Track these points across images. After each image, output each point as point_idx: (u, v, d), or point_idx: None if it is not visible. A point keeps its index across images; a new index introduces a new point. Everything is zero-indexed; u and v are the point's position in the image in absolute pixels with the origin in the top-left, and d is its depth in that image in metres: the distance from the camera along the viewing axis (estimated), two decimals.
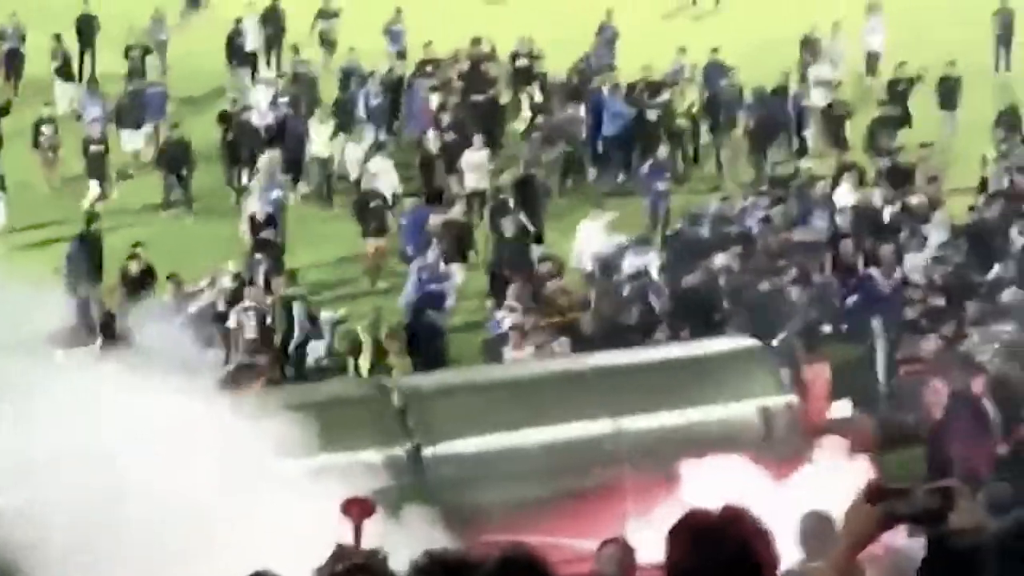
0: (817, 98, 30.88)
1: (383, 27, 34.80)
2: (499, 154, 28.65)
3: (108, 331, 19.72)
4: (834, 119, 30.20)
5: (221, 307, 21.09)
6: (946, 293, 20.55)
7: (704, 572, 4.59)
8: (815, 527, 10.04)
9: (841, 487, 13.14)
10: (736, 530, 4.63)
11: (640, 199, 27.27)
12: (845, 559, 4.70)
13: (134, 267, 22.47)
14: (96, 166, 28.03)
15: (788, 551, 11.48)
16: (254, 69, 34.24)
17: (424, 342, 20.73)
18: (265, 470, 12.55)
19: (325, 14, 36.05)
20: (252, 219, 24.45)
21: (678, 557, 4.65)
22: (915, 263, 21.79)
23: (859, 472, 13.41)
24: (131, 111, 30.33)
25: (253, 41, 34.68)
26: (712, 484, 13.18)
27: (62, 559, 11.21)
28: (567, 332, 19.71)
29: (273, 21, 35.45)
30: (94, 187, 27.84)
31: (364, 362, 20.34)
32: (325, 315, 21.86)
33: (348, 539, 8.59)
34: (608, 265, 22.48)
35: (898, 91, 30.31)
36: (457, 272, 23.05)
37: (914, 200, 24.30)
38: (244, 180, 27.86)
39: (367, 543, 8.49)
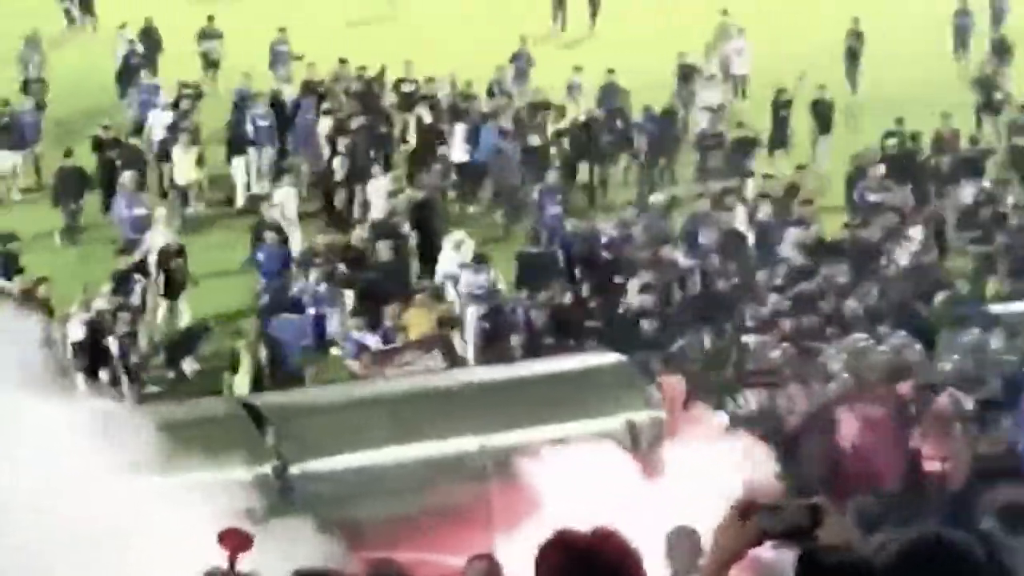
0: (704, 123, 31.12)
1: (268, 47, 34.36)
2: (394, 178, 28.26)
3: None
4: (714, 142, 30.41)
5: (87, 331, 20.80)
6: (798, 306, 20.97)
7: None
8: (682, 542, 10.06)
9: (708, 471, 13.42)
10: (606, 550, 4.60)
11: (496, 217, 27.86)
12: (715, 574, 4.69)
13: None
14: None
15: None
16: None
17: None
18: (129, 489, 12.37)
19: (207, 34, 35.47)
20: (164, 251, 23.72)
21: None
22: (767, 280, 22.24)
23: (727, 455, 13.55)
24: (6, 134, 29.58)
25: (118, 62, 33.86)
26: (576, 472, 13.32)
27: None
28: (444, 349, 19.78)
29: (150, 40, 34.72)
30: None
31: (243, 380, 20.18)
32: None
33: (219, 562, 8.45)
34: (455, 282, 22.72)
35: (780, 116, 30.63)
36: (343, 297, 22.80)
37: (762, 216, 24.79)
38: None
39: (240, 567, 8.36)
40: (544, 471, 13.75)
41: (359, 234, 24.45)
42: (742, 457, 13.89)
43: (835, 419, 15.87)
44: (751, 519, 4.62)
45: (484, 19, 39.21)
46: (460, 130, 29.49)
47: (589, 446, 13.86)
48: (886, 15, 38.86)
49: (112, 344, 20.54)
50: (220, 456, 13.62)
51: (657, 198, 26.76)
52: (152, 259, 23.52)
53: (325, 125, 29.60)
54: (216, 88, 33.78)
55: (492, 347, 20.51)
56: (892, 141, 29.03)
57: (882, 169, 27.83)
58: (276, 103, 30.63)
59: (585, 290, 22.14)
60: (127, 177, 25.96)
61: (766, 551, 5.14)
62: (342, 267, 22.82)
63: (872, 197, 26.18)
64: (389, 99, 31.40)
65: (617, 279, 22.54)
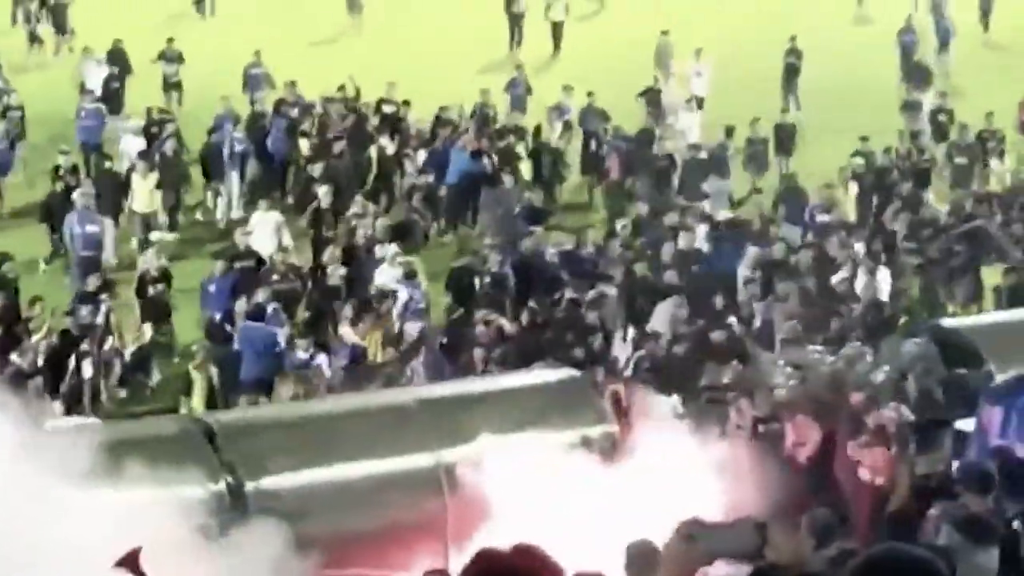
0: (683, 146, 31.02)
1: (243, 70, 33.71)
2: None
3: None
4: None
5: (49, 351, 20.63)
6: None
7: None
8: (640, 556, 10.02)
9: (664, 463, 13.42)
10: (527, 566, 4.58)
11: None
12: None
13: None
14: None
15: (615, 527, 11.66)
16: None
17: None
18: (83, 507, 12.26)
19: (167, 56, 34.79)
20: (142, 277, 23.48)
21: None
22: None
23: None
24: None
25: (95, 84, 33.17)
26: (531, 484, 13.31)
27: None
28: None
29: (119, 63, 34.01)
30: None
31: (197, 401, 20.05)
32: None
33: None
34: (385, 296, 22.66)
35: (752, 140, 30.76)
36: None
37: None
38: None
39: None
40: (498, 484, 13.78)
41: (333, 253, 24.28)
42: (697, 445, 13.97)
43: (781, 431, 15.89)
44: (697, 540, 4.60)
45: (447, 41, 39.25)
46: (423, 156, 29.21)
47: (543, 457, 13.86)
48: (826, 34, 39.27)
49: (75, 364, 20.36)
50: (175, 474, 13.50)
51: (622, 221, 26.42)
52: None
53: (304, 147, 29.28)
54: (179, 111, 32.99)
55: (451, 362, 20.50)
56: (859, 160, 29.03)
57: (855, 188, 28.00)
58: (252, 126, 30.19)
59: (528, 308, 22.07)
60: (79, 195, 25.61)
61: (718, 570, 5.12)
62: (294, 286, 22.71)
63: (821, 217, 26.26)
64: (372, 121, 30.86)
65: (569, 295, 22.56)
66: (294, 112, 30.46)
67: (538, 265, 23.96)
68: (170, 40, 35.52)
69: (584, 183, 31.05)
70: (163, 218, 27.37)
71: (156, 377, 21.69)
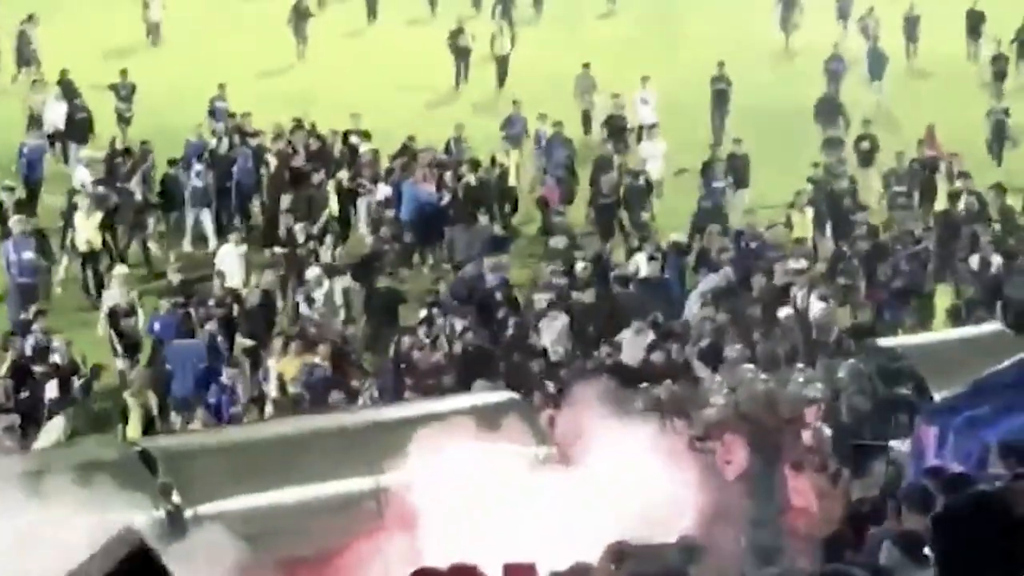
0: (655, 171, 30.82)
1: (207, 103, 33.04)
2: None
3: None
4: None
5: None
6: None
7: None
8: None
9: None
10: None
11: None
12: None
13: None
14: None
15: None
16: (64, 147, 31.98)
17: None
18: (16, 534, 12.08)
19: (119, 89, 34.15)
20: (113, 311, 22.88)
21: None
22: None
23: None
24: None
25: (55, 119, 32.30)
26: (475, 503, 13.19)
27: None
28: None
29: (68, 94, 33.20)
30: None
31: (133, 429, 19.75)
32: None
33: None
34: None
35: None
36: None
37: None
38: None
39: None
40: (436, 506, 13.66)
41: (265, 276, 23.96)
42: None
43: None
44: (624, 563, 4.50)
45: (391, 72, 39.15)
46: (382, 190, 28.67)
47: (481, 478, 13.76)
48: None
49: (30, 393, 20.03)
50: (113, 500, 13.31)
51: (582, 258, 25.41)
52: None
53: (269, 177, 28.64)
54: (131, 143, 31.36)
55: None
56: (810, 187, 28.89)
57: (810, 213, 27.84)
58: (213, 159, 29.40)
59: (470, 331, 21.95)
60: (15, 221, 25.12)
61: None
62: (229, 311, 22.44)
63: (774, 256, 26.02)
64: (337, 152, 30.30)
65: (513, 319, 22.50)
66: (256, 142, 29.89)
67: (480, 289, 23.84)
68: (123, 72, 34.90)
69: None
70: (104, 262, 26.10)
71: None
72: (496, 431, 14.50)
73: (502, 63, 39.67)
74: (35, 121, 32.38)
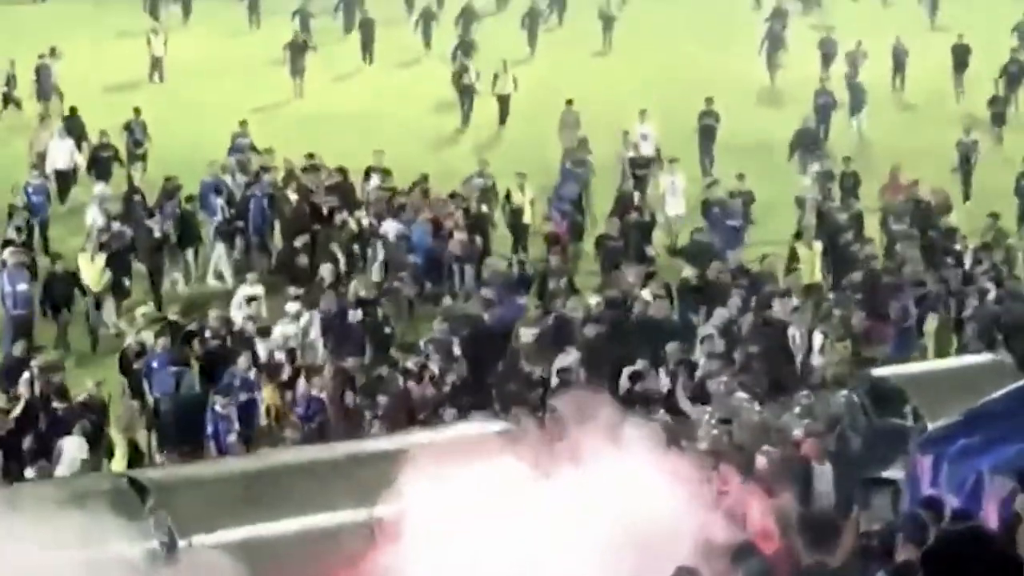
0: (678, 209, 30.23)
1: (230, 139, 32.23)
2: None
3: None
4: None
5: None
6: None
7: None
8: None
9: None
10: None
11: None
12: None
13: None
14: None
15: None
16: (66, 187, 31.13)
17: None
18: (14, 567, 11.89)
19: (132, 127, 33.31)
20: (125, 352, 22.05)
21: None
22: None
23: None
24: None
25: (65, 156, 31.54)
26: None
27: None
28: None
29: (75, 131, 32.63)
30: None
31: (118, 463, 19.42)
32: None
33: None
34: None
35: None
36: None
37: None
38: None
39: None
40: (431, 537, 13.44)
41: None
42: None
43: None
44: None
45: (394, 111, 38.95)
46: (392, 228, 27.77)
47: (475, 507, 13.55)
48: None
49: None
50: (106, 532, 13.10)
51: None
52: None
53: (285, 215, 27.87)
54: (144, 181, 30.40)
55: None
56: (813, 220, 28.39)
57: (819, 247, 27.20)
58: (231, 196, 28.52)
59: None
60: (10, 253, 24.63)
61: None
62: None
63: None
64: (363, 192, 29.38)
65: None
66: (271, 178, 29.01)
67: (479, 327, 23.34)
68: (136, 110, 34.16)
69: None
70: (110, 304, 25.33)
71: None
72: (490, 460, 14.26)
73: (504, 102, 39.22)
74: (41, 159, 31.66)
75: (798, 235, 27.86)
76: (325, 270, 24.93)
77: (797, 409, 18.76)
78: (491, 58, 40.15)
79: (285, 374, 21.02)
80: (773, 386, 20.67)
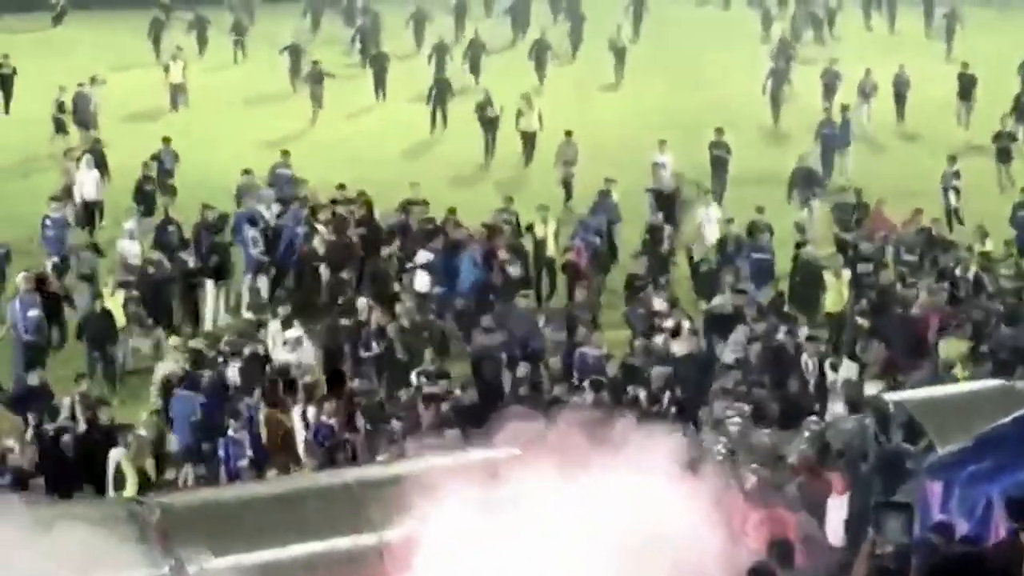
0: (711, 235, 29.70)
1: (269, 170, 31.62)
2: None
3: None
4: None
5: None
6: None
7: None
8: None
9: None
10: None
11: None
12: None
13: None
14: None
15: None
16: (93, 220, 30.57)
17: None
18: None
19: (160, 158, 32.51)
20: (168, 381, 21.79)
21: None
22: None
23: None
24: None
25: (93, 186, 30.96)
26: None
27: None
28: None
29: (98, 161, 31.99)
30: None
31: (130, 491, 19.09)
32: None
33: None
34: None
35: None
36: None
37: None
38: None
39: None
40: (441, 562, 13.16)
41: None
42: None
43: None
44: None
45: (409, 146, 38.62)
46: (423, 257, 26.82)
47: (487, 532, 13.28)
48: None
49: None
50: (115, 557, 12.81)
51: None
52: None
53: (318, 247, 27.13)
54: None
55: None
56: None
57: (847, 275, 26.72)
58: (267, 227, 27.85)
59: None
60: (22, 278, 24.30)
61: None
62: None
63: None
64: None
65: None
66: (306, 211, 28.30)
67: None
68: (166, 140, 33.51)
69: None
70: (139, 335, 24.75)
71: None
72: (501, 484, 13.98)
73: (529, 140, 37.65)
74: (67, 190, 31.10)
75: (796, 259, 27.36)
76: (361, 303, 24.28)
77: (807, 433, 18.49)
78: (500, 92, 39.41)
79: (291, 400, 20.77)
80: (786, 413, 20.37)
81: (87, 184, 31.23)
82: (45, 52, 46.46)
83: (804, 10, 54.72)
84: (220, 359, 21.95)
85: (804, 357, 22.39)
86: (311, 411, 20.12)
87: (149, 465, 19.25)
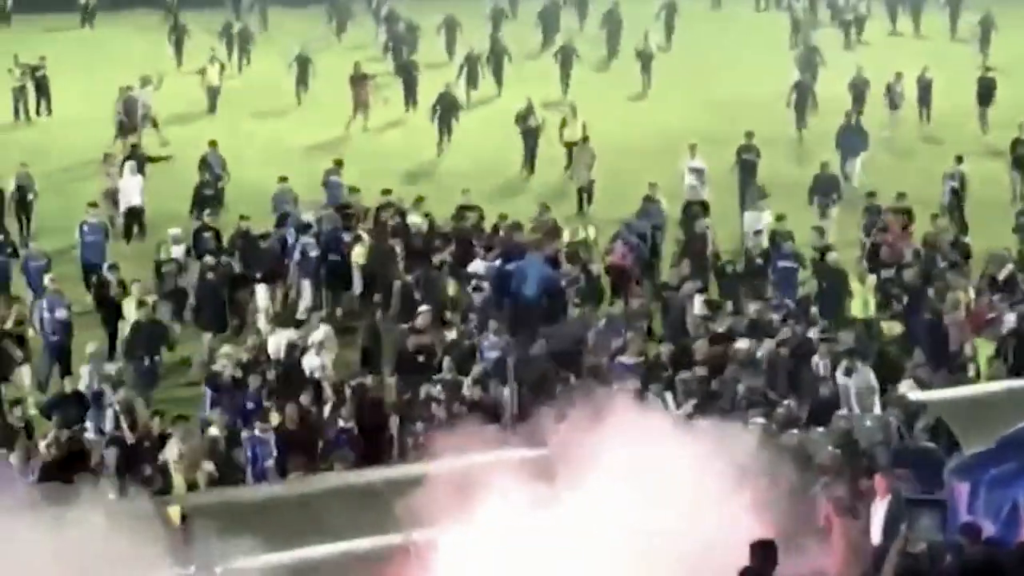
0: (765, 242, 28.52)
1: (321, 179, 30.86)
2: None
3: None
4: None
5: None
6: None
7: None
8: None
9: None
10: None
11: None
12: None
13: None
14: None
15: None
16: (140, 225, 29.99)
17: None
18: None
19: (210, 162, 31.49)
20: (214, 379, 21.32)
21: None
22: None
23: None
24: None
25: (136, 192, 30.25)
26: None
27: None
28: None
29: (137, 165, 31.10)
30: None
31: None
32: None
33: None
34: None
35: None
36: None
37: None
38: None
39: None
40: (466, 562, 12.98)
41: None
42: None
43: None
44: None
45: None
46: (479, 266, 25.84)
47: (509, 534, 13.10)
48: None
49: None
50: (143, 557, 12.69)
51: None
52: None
53: (359, 255, 26.46)
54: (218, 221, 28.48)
55: None
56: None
57: (872, 280, 26.25)
58: (317, 233, 26.92)
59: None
60: (48, 279, 23.96)
61: None
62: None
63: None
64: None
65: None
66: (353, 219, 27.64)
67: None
68: (212, 143, 32.49)
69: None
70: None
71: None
72: (525, 485, 13.79)
73: (572, 150, 35.33)
74: (109, 196, 30.45)
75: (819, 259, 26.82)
76: (423, 311, 23.44)
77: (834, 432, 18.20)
78: (522, 98, 38.51)
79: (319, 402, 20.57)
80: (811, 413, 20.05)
81: (130, 190, 30.66)
82: (77, 52, 46.08)
83: (835, 16, 54.30)
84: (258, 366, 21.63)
85: (815, 358, 21.85)
86: (342, 411, 19.88)
87: (208, 468, 18.76)
